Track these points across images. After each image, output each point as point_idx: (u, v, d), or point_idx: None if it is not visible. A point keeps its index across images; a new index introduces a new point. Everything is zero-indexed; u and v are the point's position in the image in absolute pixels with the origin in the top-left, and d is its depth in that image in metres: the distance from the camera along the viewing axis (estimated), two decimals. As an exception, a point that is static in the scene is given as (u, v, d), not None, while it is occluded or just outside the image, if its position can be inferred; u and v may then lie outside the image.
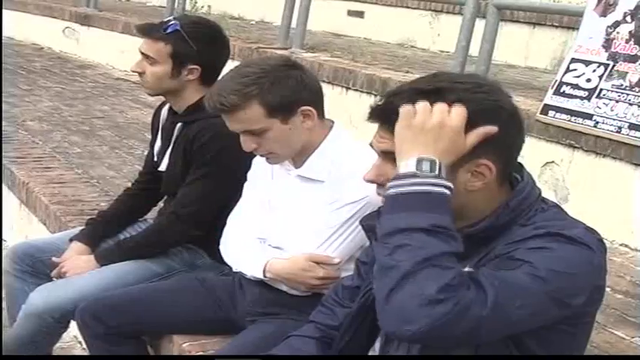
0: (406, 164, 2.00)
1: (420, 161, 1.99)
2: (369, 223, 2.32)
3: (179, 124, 3.64)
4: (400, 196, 1.99)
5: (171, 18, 3.67)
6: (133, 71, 3.71)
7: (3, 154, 6.07)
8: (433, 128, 2.00)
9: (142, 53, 3.63)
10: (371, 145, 2.20)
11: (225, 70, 3.06)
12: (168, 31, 3.56)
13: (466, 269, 2.06)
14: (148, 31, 3.65)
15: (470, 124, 2.03)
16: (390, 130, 2.08)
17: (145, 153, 4.19)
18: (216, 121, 3.05)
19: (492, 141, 2.08)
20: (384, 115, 2.11)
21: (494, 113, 2.09)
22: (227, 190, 3.36)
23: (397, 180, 2.00)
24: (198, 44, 3.59)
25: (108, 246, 3.78)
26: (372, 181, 2.18)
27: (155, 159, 3.80)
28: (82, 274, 3.62)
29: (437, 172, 1.98)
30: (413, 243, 1.93)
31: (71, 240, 3.83)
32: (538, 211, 2.13)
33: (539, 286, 1.95)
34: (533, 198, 2.16)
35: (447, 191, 1.98)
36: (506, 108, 2.14)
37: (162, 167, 3.73)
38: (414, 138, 2.01)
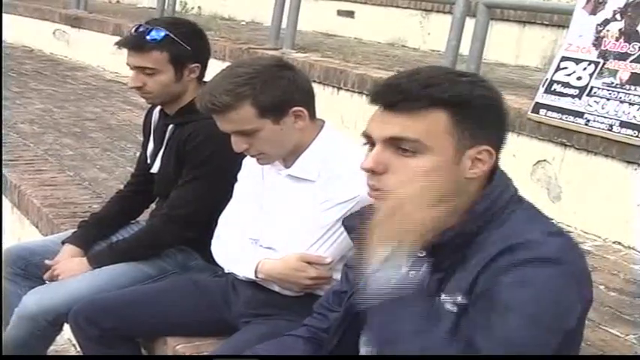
0: None
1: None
2: (352, 224, 2.32)
3: (171, 126, 3.63)
4: None
5: (147, 26, 3.57)
6: (132, 87, 3.66)
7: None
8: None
9: (136, 67, 3.58)
10: (365, 134, 2.14)
11: (216, 71, 3.06)
12: (158, 38, 3.54)
13: (442, 297, 2.06)
14: (135, 45, 3.57)
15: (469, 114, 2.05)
16: (394, 113, 2.05)
17: (137, 155, 4.18)
18: (209, 122, 3.05)
19: (492, 125, 2.10)
20: (391, 97, 2.07)
21: (493, 100, 2.11)
22: (220, 191, 3.35)
23: None
24: (190, 43, 3.58)
25: (100, 248, 3.77)
26: (370, 170, 2.09)
27: (148, 161, 3.80)
28: (74, 276, 3.61)
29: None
30: None
31: (63, 242, 3.82)
32: (511, 214, 2.09)
33: (533, 330, 1.92)
34: (504, 201, 2.11)
35: None
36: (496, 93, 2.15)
37: (155, 169, 3.72)
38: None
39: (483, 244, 2.04)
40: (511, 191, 2.14)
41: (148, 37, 3.54)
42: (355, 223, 2.29)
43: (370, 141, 2.11)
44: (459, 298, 2.03)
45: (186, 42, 3.57)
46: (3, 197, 5.77)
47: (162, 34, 3.53)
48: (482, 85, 2.12)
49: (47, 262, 3.74)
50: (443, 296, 2.07)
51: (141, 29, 3.57)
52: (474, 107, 2.06)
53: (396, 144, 2.05)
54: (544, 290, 1.93)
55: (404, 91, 2.04)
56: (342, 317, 2.38)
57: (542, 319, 1.93)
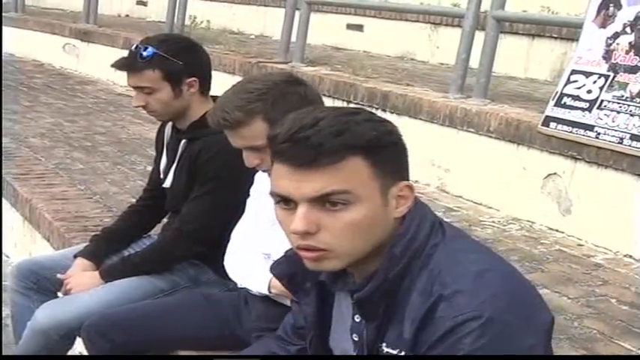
0: None
1: None
2: (280, 271, 2.27)
3: (183, 141, 3.65)
4: None
5: (139, 45, 3.60)
6: (136, 107, 3.71)
7: (6, 170, 6.08)
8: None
9: (135, 87, 3.63)
10: (278, 194, 1.97)
11: (226, 85, 3.06)
12: (147, 57, 3.56)
13: (385, 349, 2.01)
14: (128, 66, 3.61)
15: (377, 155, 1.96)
16: (310, 170, 1.91)
17: (148, 168, 4.20)
18: (220, 137, 3.05)
19: (401, 159, 2.03)
20: (304, 155, 1.91)
21: (394, 133, 2.03)
22: (231, 206, 3.35)
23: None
24: (181, 58, 3.59)
25: (112, 262, 3.78)
26: (305, 232, 1.94)
27: (161, 176, 3.81)
28: (86, 290, 3.62)
29: None
30: None
31: (75, 256, 3.83)
32: (434, 249, 2.00)
33: None
34: (422, 236, 2.01)
35: None
36: (391, 125, 2.06)
37: (167, 184, 3.73)
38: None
39: (411, 288, 1.97)
40: (429, 222, 2.05)
41: (138, 58, 3.57)
42: (283, 269, 2.26)
43: (286, 200, 1.97)
44: (404, 353, 1.97)
45: (178, 57, 3.58)
46: (14, 210, 5.79)
47: (151, 52, 3.55)
48: (379, 121, 2.02)
49: (59, 276, 3.75)
50: (385, 348, 2.01)
51: (134, 50, 3.60)
52: (384, 146, 1.97)
53: (322, 200, 1.92)
54: (493, 352, 1.85)
55: (316, 146, 1.90)
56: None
57: None
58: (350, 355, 2.24)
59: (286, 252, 2.16)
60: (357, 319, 2.11)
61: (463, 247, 2.04)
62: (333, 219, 1.93)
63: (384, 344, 2.02)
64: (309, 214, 1.93)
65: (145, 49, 3.56)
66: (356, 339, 2.13)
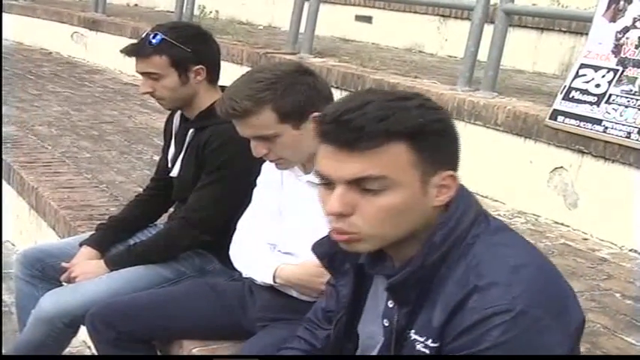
0: None
1: None
2: (322, 250, 2.28)
3: (191, 130, 3.65)
4: None
5: (149, 32, 3.63)
6: (143, 93, 3.72)
7: (12, 158, 6.09)
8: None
9: (143, 73, 3.64)
10: (320, 173, 2.02)
11: (234, 75, 3.06)
12: (155, 43, 3.57)
13: (412, 336, 2.02)
14: (136, 51, 3.64)
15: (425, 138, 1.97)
16: (351, 152, 1.94)
17: (154, 158, 4.20)
18: (228, 126, 3.05)
19: (449, 148, 2.04)
20: (345, 137, 1.94)
21: (445, 121, 2.05)
22: (237, 195, 3.36)
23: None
24: (189, 45, 3.60)
25: (118, 251, 3.78)
26: (339, 214, 1.97)
27: (169, 165, 3.81)
28: (91, 279, 3.62)
29: None
30: None
31: (81, 245, 3.84)
32: (475, 240, 2.01)
33: None
34: (465, 226, 2.03)
35: None
36: (445, 113, 2.09)
37: (174, 173, 3.74)
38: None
39: (447, 277, 1.98)
40: (473, 213, 2.06)
41: (147, 43, 3.58)
42: (325, 249, 2.27)
43: (326, 180, 2.00)
44: (430, 342, 1.98)
45: (186, 45, 3.59)
46: (20, 198, 5.80)
47: (160, 38, 3.57)
48: (431, 108, 2.03)
49: (64, 264, 3.76)
50: (413, 334, 2.03)
51: (144, 36, 3.62)
52: (431, 134, 1.97)
53: (360, 183, 1.95)
54: (519, 347, 1.86)
55: (358, 129, 1.92)
56: (333, 343, 2.35)
57: None
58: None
59: (329, 232, 2.15)
60: (391, 304, 2.12)
61: (504, 240, 2.05)
62: (367, 202, 1.95)
63: (412, 331, 2.03)
64: (345, 196, 1.96)
65: (155, 35, 3.58)
66: (386, 324, 2.13)
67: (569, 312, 1.97)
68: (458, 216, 2.03)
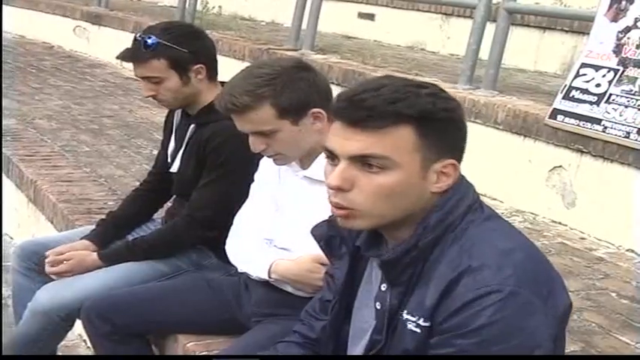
0: None
1: None
2: (320, 233, 2.33)
3: (192, 126, 3.64)
4: None
5: (142, 35, 3.59)
6: (146, 96, 3.71)
7: (12, 151, 6.09)
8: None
9: (143, 78, 3.63)
10: (327, 148, 2.08)
11: (236, 71, 3.06)
12: (151, 47, 3.55)
13: (404, 316, 2.06)
14: (133, 57, 3.62)
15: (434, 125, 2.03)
16: (359, 129, 2.00)
17: (154, 152, 4.20)
18: (230, 123, 3.04)
19: (455, 138, 2.10)
20: (355, 114, 2.01)
21: (455, 112, 2.10)
22: (240, 192, 3.34)
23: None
24: (185, 45, 3.59)
25: (115, 246, 3.77)
26: (338, 188, 2.04)
27: (168, 160, 3.80)
28: (88, 272, 3.62)
29: None
30: None
31: (82, 239, 3.83)
32: (469, 225, 2.06)
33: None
34: (460, 211, 2.07)
35: None
36: (457, 104, 2.13)
37: (174, 169, 3.73)
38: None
39: (440, 259, 2.03)
40: (470, 199, 2.11)
41: (142, 48, 3.56)
42: (323, 231, 2.32)
43: (332, 155, 2.07)
44: (422, 321, 2.02)
45: (181, 45, 3.58)
46: (19, 192, 5.80)
47: (155, 41, 3.54)
48: (443, 97, 2.08)
49: (49, 252, 3.75)
50: (405, 315, 2.07)
51: (137, 40, 3.59)
52: (439, 121, 2.02)
53: (362, 160, 2.01)
54: (508, 326, 1.91)
55: (369, 108, 1.99)
56: (329, 328, 2.37)
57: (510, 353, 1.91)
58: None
59: (329, 216, 2.22)
60: (384, 287, 2.16)
61: (497, 226, 2.11)
62: (367, 179, 2.02)
63: (404, 312, 2.07)
64: (346, 171, 2.02)
65: (149, 38, 3.55)
66: (378, 307, 2.17)
67: (555, 296, 2.01)
68: (454, 202, 2.08)
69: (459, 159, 2.10)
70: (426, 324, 2.02)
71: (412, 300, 2.06)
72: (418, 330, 2.03)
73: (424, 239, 2.05)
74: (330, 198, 2.07)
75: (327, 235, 2.31)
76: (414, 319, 2.04)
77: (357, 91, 2.04)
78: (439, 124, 2.03)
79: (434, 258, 2.05)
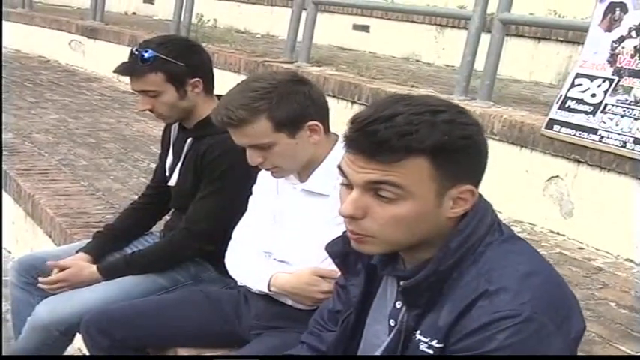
0: None
1: None
2: (335, 249, 2.31)
3: (189, 140, 3.65)
4: None
5: (138, 49, 3.60)
6: (142, 110, 3.72)
7: (9, 166, 6.09)
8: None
9: (140, 91, 3.63)
10: (341, 170, 2.05)
11: (231, 83, 3.07)
12: (148, 61, 3.56)
13: (417, 336, 2.05)
14: (130, 70, 3.62)
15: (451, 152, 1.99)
16: (372, 160, 1.97)
17: (151, 166, 4.20)
18: (227, 136, 3.04)
19: (472, 163, 2.05)
20: (368, 147, 1.97)
21: (472, 136, 2.04)
22: (238, 205, 3.35)
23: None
24: (182, 59, 3.59)
25: (113, 260, 3.78)
26: (350, 217, 2.03)
27: (166, 174, 3.81)
28: (87, 286, 3.62)
29: None
30: None
31: (78, 252, 3.83)
32: (488, 247, 2.04)
33: None
34: (480, 233, 2.05)
35: None
36: (475, 126, 2.08)
37: (172, 182, 3.73)
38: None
39: (458, 281, 2.02)
40: (489, 221, 2.09)
41: (139, 61, 3.57)
42: (339, 248, 2.30)
43: (347, 181, 2.05)
44: (435, 342, 2.01)
45: (178, 59, 3.58)
46: (17, 206, 5.80)
47: (152, 55, 3.55)
48: (461, 124, 2.02)
49: (50, 262, 3.75)
50: (418, 335, 2.05)
51: (134, 54, 3.60)
52: (453, 151, 1.98)
53: (375, 189, 1.99)
54: (521, 351, 1.90)
55: (381, 142, 1.95)
56: (339, 340, 2.36)
57: None
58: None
59: (344, 232, 2.19)
60: (399, 305, 2.15)
61: (515, 248, 2.09)
62: (380, 209, 2.00)
63: (418, 332, 2.06)
64: (359, 200, 2.01)
65: (146, 51, 3.56)
66: (392, 324, 2.16)
67: (571, 320, 2.00)
68: (475, 224, 2.05)
69: (478, 182, 2.07)
70: (439, 345, 2.00)
71: (427, 321, 2.05)
72: (431, 351, 2.02)
73: (445, 263, 2.03)
74: (345, 224, 2.07)
75: (343, 252, 2.29)
76: (426, 339, 2.03)
77: (369, 118, 1.98)
78: (455, 153, 1.99)
79: (452, 280, 2.03)
